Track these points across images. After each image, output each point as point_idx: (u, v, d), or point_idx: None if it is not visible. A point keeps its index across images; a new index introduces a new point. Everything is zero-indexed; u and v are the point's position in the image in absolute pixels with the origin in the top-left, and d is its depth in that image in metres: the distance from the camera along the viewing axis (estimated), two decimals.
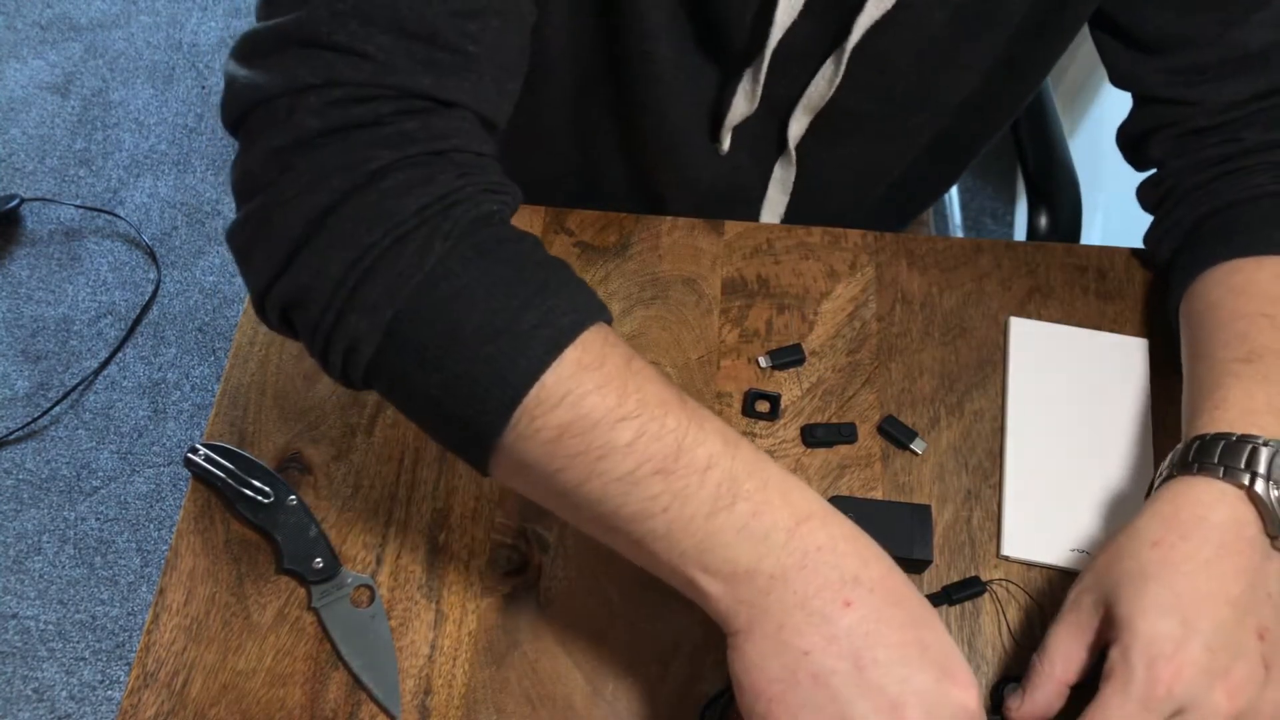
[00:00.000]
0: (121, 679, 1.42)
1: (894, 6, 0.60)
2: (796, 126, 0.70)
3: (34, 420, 1.61)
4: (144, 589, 1.50)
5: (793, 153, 0.73)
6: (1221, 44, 0.64)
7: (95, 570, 1.51)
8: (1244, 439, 0.51)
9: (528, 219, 0.76)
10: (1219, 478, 0.51)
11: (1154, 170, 0.71)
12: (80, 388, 1.65)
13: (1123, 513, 0.66)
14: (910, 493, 0.67)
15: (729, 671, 0.47)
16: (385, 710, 0.59)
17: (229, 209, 1.86)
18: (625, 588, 0.63)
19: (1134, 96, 0.71)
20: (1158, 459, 0.68)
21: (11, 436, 1.60)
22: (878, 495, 0.66)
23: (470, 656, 0.61)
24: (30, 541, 1.52)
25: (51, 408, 1.63)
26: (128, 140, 1.92)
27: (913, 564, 0.63)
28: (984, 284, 0.75)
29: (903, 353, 0.72)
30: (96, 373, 1.67)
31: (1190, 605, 0.47)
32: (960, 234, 1.74)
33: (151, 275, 1.77)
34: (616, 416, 0.44)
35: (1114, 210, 1.46)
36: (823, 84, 0.66)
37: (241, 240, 0.48)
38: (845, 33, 0.62)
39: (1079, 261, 0.77)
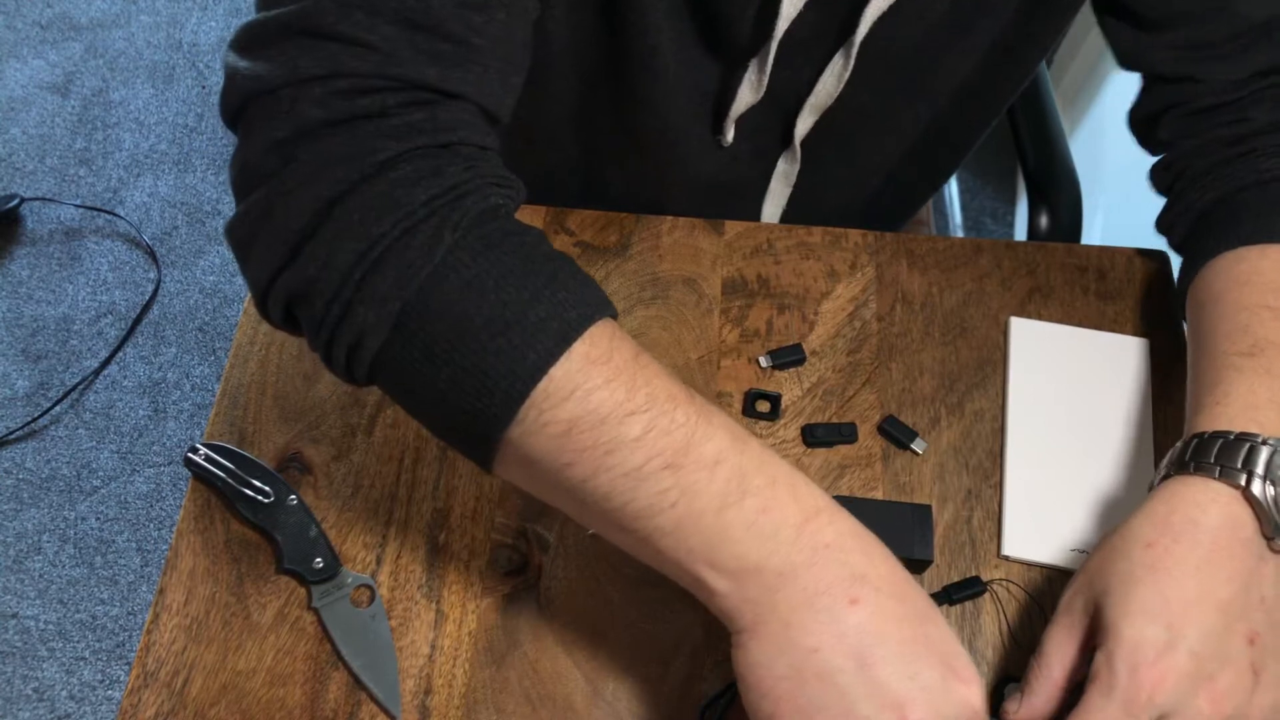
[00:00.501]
0: (121, 679, 1.42)
1: None
2: (803, 125, 0.70)
3: (34, 420, 1.61)
4: (144, 589, 1.50)
5: (798, 149, 0.73)
6: (1225, 19, 0.63)
7: (95, 570, 1.51)
8: (1242, 437, 0.50)
9: (528, 218, 0.76)
10: (1215, 478, 0.50)
11: (1165, 153, 0.71)
12: (80, 388, 1.65)
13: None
14: (910, 493, 0.67)
15: (734, 669, 0.47)
16: (385, 710, 0.59)
17: (229, 208, 1.86)
18: (625, 588, 0.63)
19: (1142, 78, 0.71)
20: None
21: (11, 436, 1.60)
22: (878, 495, 0.66)
23: (470, 656, 0.61)
24: (30, 541, 1.52)
25: (51, 408, 1.63)
26: (128, 140, 1.92)
27: (913, 564, 0.63)
28: (984, 284, 0.75)
29: (903, 353, 0.72)
30: (96, 373, 1.67)
31: (1178, 610, 0.47)
32: (960, 234, 1.74)
33: (151, 275, 1.77)
34: (626, 411, 0.44)
35: (1114, 210, 1.46)
36: (831, 81, 0.66)
37: (242, 234, 0.47)
38: (850, 22, 0.62)
39: (1079, 261, 0.77)
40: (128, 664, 1.44)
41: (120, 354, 1.69)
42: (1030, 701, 0.51)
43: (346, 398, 0.69)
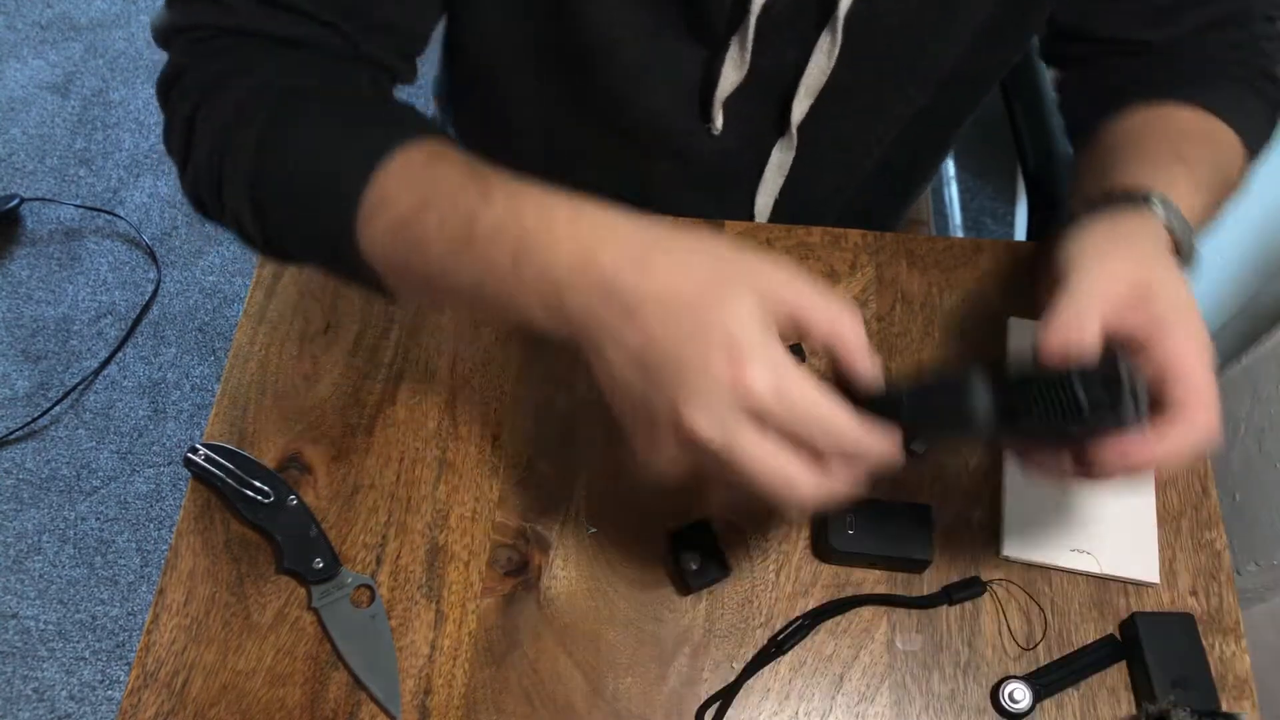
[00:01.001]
0: (121, 679, 1.42)
1: None
2: (799, 108, 0.70)
3: (34, 420, 1.61)
4: (144, 589, 1.50)
5: (794, 135, 0.72)
6: None
7: (95, 570, 1.51)
8: (1150, 195, 0.57)
9: None
10: (1135, 210, 0.56)
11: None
12: (80, 388, 1.65)
13: (1122, 513, 0.66)
14: (910, 493, 0.67)
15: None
16: (385, 710, 0.59)
17: None
18: (625, 588, 0.63)
19: (1073, 57, 0.76)
20: None
21: (11, 436, 1.60)
22: (878, 495, 0.66)
23: (470, 656, 0.61)
24: (30, 541, 1.52)
25: (51, 408, 1.63)
26: (128, 140, 1.92)
27: (913, 564, 0.63)
28: (984, 284, 0.75)
29: (903, 353, 0.72)
30: (96, 373, 1.67)
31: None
32: (960, 234, 1.74)
33: (151, 275, 1.77)
34: (419, 210, 0.51)
35: None
36: (822, 59, 0.66)
37: (167, 148, 0.62)
38: (831, 2, 0.63)
39: None
40: (128, 664, 1.44)
41: (120, 354, 1.69)
42: (1063, 314, 0.51)
43: (347, 398, 0.69)
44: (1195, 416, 0.49)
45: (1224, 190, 0.65)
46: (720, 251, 0.48)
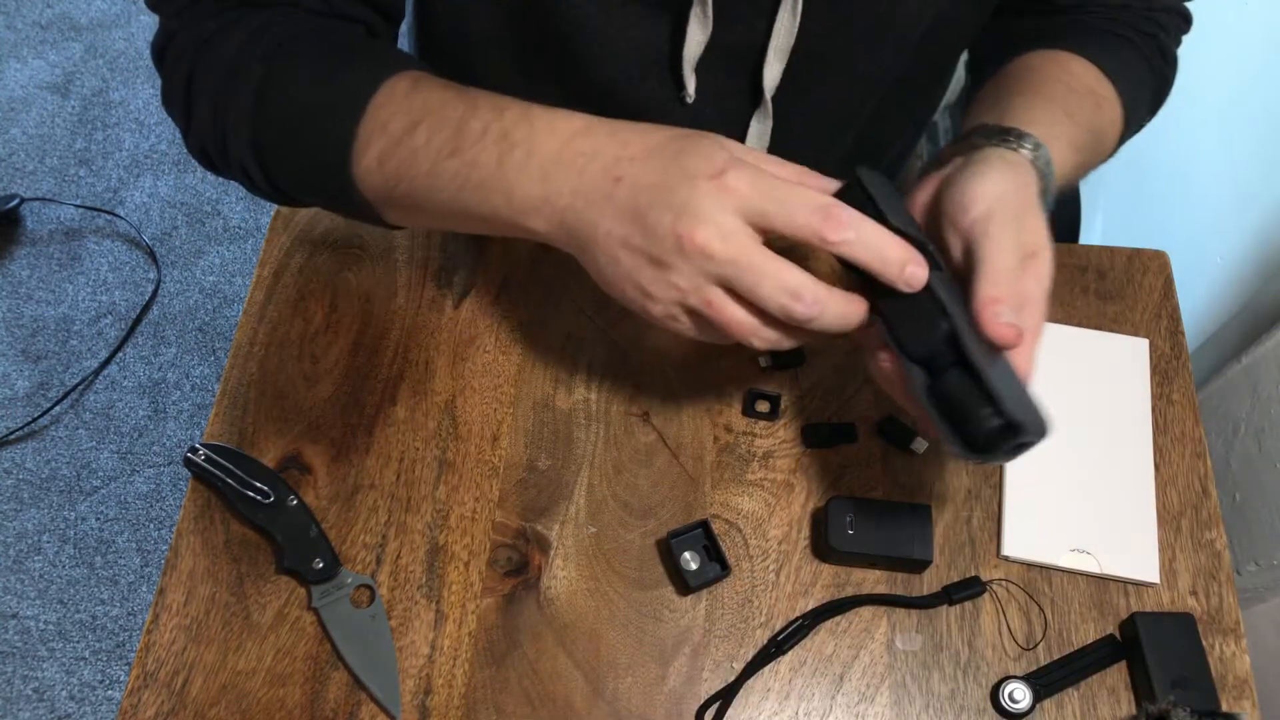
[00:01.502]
0: (121, 679, 1.42)
1: None
2: (771, 73, 0.70)
3: (34, 420, 1.61)
4: (144, 589, 1.50)
5: (769, 104, 0.72)
6: None
7: (95, 570, 1.51)
8: (1027, 133, 0.60)
9: None
10: (1012, 148, 0.60)
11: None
12: (80, 388, 1.65)
13: (1123, 513, 0.66)
14: (910, 493, 0.67)
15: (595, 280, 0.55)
16: (385, 710, 0.59)
17: (229, 209, 1.86)
18: (625, 588, 0.63)
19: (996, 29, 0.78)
20: (1158, 459, 0.68)
21: (11, 436, 1.60)
22: (878, 495, 0.66)
23: (470, 656, 0.61)
24: (30, 541, 1.52)
25: (51, 408, 1.63)
26: (128, 140, 1.92)
27: (913, 564, 0.63)
28: None
29: None
30: (96, 373, 1.67)
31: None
32: None
33: (151, 275, 1.77)
34: (408, 129, 0.56)
35: (1114, 210, 1.46)
36: (787, 18, 0.66)
37: (167, 108, 0.65)
38: None
39: (1079, 261, 0.77)
40: (128, 664, 1.44)
41: (120, 354, 1.69)
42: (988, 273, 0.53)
43: (347, 398, 0.69)
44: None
45: (1093, 156, 0.68)
46: (685, 129, 0.53)
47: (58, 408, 1.63)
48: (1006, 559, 0.64)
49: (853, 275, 0.53)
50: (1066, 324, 0.73)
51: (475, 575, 0.63)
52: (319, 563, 0.61)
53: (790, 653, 0.62)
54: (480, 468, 0.67)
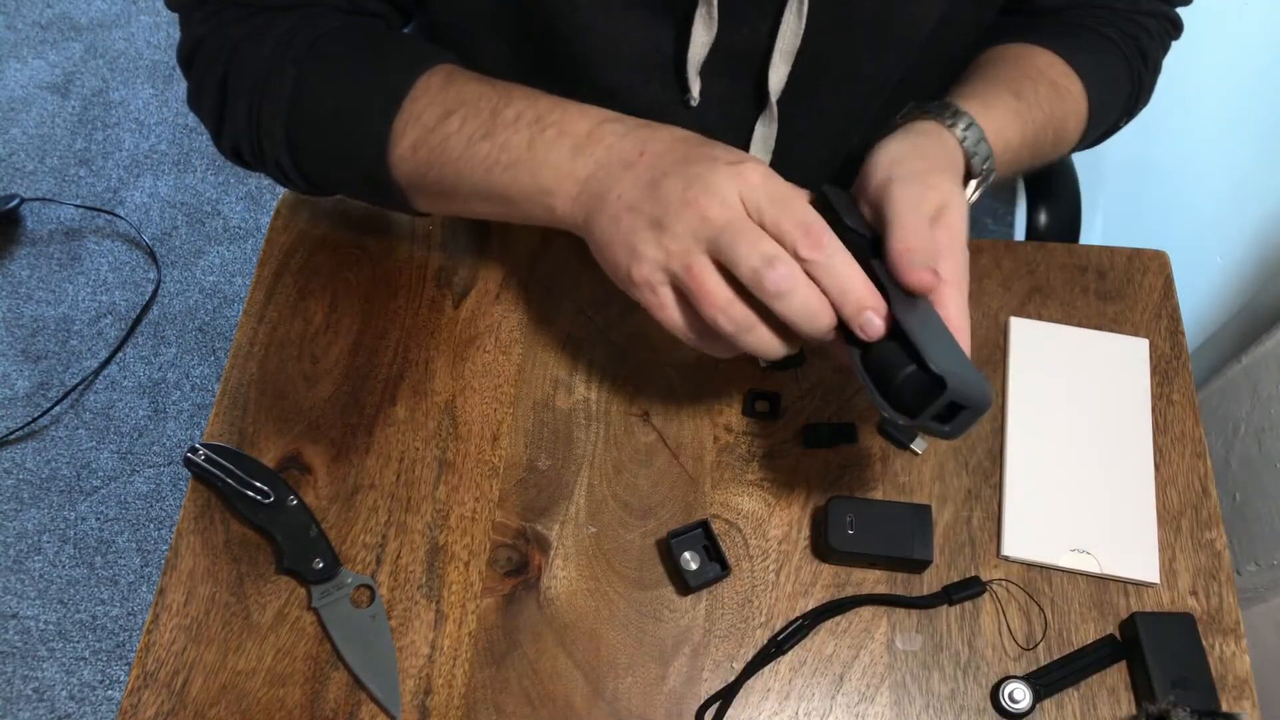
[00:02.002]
0: (121, 679, 1.42)
1: None
2: (776, 76, 0.70)
3: (34, 420, 1.61)
4: (144, 589, 1.50)
5: (774, 107, 0.72)
6: None
7: (95, 570, 1.51)
8: (949, 103, 0.64)
9: None
10: (959, 140, 0.62)
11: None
12: (80, 388, 1.65)
13: (1123, 513, 0.66)
14: (910, 493, 0.67)
15: (596, 258, 0.56)
16: (385, 710, 0.59)
17: (229, 209, 1.86)
18: (625, 588, 0.63)
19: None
20: (1158, 459, 0.68)
21: (11, 436, 1.60)
22: (878, 495, 0.66)
23: (470, 656, 0.61)
24: (30, 541, 1.52)
25: (51, 408, 1.63)
26: (128, 140, 1.92)
27: (913, 564, 0.63)
28: (984, 284, 0.75)
29: None
30: (96, 373, 1.67)
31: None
32: None
33: (151, 275, 1.77)
34: (442, 116, 0.59)
35: (1114, 210, 1.46)
36: (793, 20, 0.66)
37: (196, 110, 0.68)
38: None
39: (1079, 261, 0.77)
40: (128, 664, 1.44)
41: (120, 354, 1.69)
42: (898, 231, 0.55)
43: (347, 398, 0.69)
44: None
45: (1050, 136, 0.70)
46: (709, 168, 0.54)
47: (58, 408, 1.63)
48: (1006, 559, 0.64)
49: None
50: (1066, 324, 0.73)
51: (475, 575, 0.63)
52: (319, 563, 0.61)
53: (790, 653, 0.62)
54: (480, 468, 0.67)
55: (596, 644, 0.61)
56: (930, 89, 0.82)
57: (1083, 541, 0.64)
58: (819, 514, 0.65)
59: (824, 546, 0.63)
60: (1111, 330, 0.73)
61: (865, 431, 0.69)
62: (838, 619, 0.63)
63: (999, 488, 0.67)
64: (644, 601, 0.63)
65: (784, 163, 0.79)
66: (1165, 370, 0.72)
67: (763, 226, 0.52)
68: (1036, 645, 0.62)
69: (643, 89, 0.71)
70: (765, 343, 0.53)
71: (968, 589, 0.63)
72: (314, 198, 0.78)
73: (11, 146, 1.89)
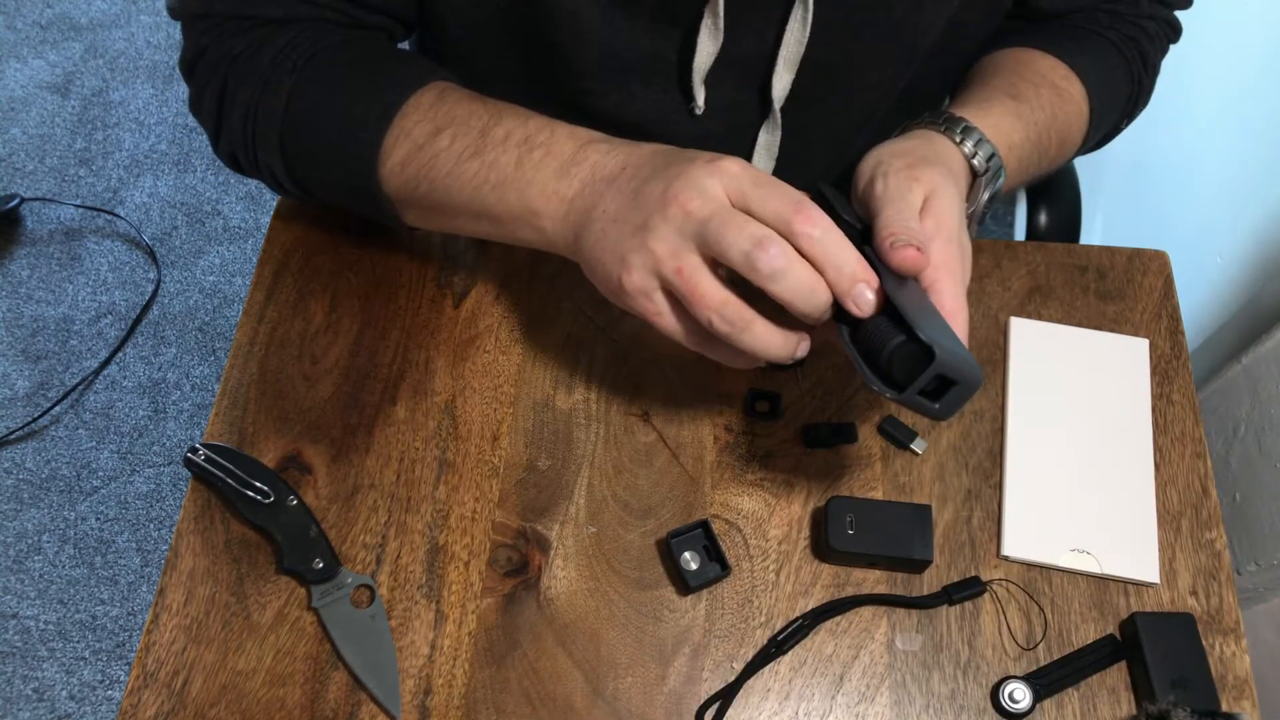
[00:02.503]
0: (121, 679, 1.43)
1: None
2: (780, 84, 0.70)
3: (34, 420, 1.61)
4: (144, 589, 1.50)
5: (778, 115, 0.72)
6: None
7: (95, 570, 1.51)
8: (942, 111, 0.65)
9: None
10: (955, 142, 0.63)
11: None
12: (80, 388, 1.65)
13: (1123, 513, 0.66)
14: (910, 493, 0.67)
15: (587, 275, 0.57)
16: (385, 710, 0.59)
17: (229, 209, 1.86)
18: (625, 588, 0.63)
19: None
20: (1158, 459, 0.68)
21: (11, 436, 1.60)
22: (878, 495, 0.66)
23: (470, 656, 0.61)
24: (30, 541, 1.52)
25: (51, 408, 1.63)
26: (128, 140, 1.92)
27: (913, 564, 0.63)
28: (984, 284, 0.75)
29: None
30: (96, 373, 1.67)
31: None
32: None
33: (151, 275, 1.77)
34: (432, 134, 0.60)
35: (1114, 210, 1.46)
36: (797, 28, 0.66)
37: (196, 116, 0.69)
38: None
39: (1079, 261, 0.77)
40: (128, 664, 1.44)
41: (120, 354, 1.69)
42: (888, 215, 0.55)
43: (347, 398, 0.69)
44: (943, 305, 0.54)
45: (1055, 138, 0.70)
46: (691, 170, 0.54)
47: (58, 408, 1.63)
48: (1006, 559, 0.64)
49: None
50: (1066, 324, 0.73)
51: (475, 575, 0.63)
52: (319, 563, 0.61)
53: (790, 653, 0.62)
54: (480, 468, 0.67)
55: (596, 644, 0.61)
56: (935, 95, 0.82)
57: (1083, 541, 0.64)
58: (819, 514, 0.65)
59: (824, 546, 0.63)
60: (1111, 330, 0.73)
61: (865, 431, 0.69)
62: (838, 619, 0.63)
63: (999, 488, 0.67)
64: (644, 601, 0.63)
65: (788, 170, 0.79)
66: (1165, 370, 0.72)
67: (751, 211, 0.52)
68: (1036, 645, 0.62)
69: (647, 97, 0.71)
70: (763, 340, 0.52)
71: (968, 589, 0.63)
72: None
73: (11, 146, 1.89)
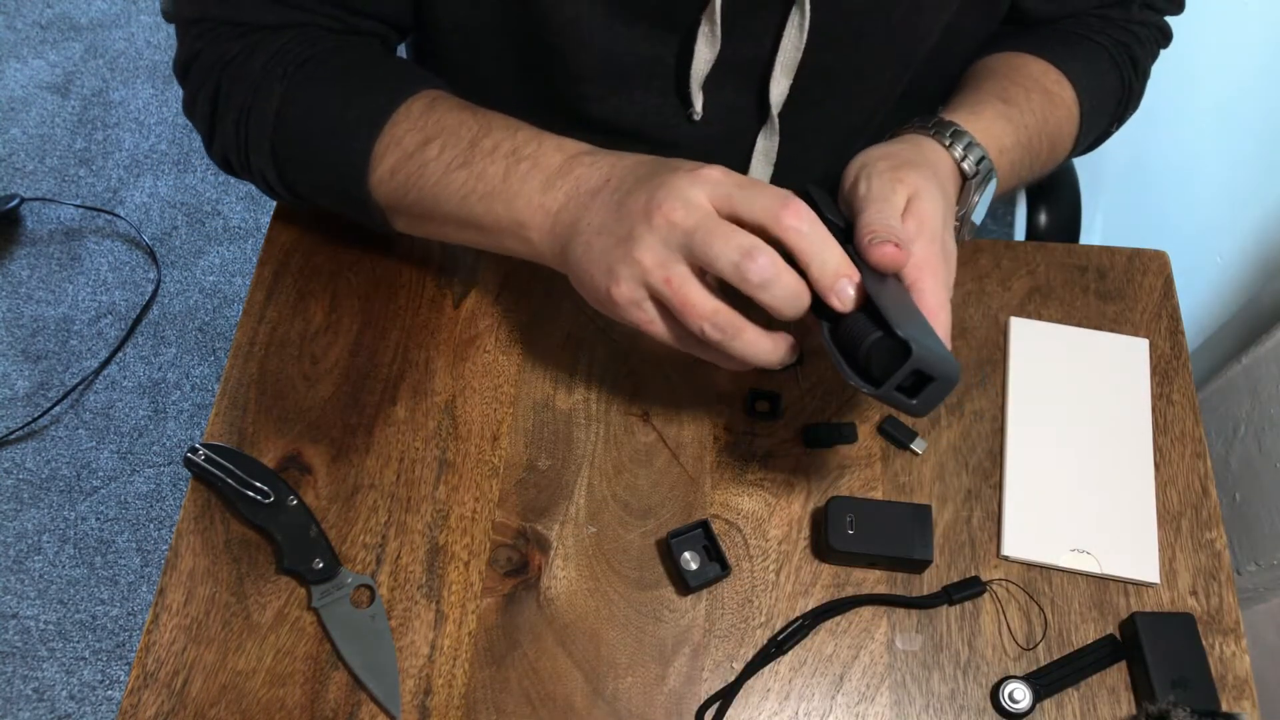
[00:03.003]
0: (121, 679, 1.42)
1: None
2: (778, 89, 0.70)
3: (34, 420, 1.61)
4: (144, 589, 1.50)
5: (776, 120, 0.72)
6: None
7: (95, 570, 1.51)
8: (931, 116, 0.65)
9: None
10: (944, 145, 0.63)
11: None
12: (80, 388, 1.65)
13: (1123, 513, 0.66)
14: (910, 493, 0.67)
15: (575, 286, 0.57)
16: (385, 710, 0.59)
17: (229, 209, 1.86)
18: (625, 588, 0.63)
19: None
20: (1158, 459, 0.68)
21: (11, 436, 1.60)
22: (878, 495, 0.66)
23: (470, 656, 0.61)
24: (30, 541, 1.52)
25: (51, 408, 1.63)
26: (128, 140, 1.92)
27: (913, 564, 0.63)
28: (984, 284, 0.75)
29: None
30: (96, 373, 1.67)
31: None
32: None
33: (151, 275, 1.77)
34: (422, 143, 0.61)
35: (1114, 210, 1.46)
36: (794, 34, 0.66)
37: (190, 119, 0.70)
38: None
39: (1079, 261, 0.77)
40: (128, 664, 1.44)
41: (120, 354, 1.69)
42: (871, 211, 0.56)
43: (347, 398, 0.69)
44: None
45: (1046, 142, 0.70)
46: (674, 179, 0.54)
47: (58, 408, 1.63)
48: (1006, 559, 0.64)
49: None
50: (1066, 324, 0.73)
51: (475, 575, 0.63)
52: (319, 563, 0.61)
53: (790, 653, 0.62)
54: (480, 468, 0.67)
55: (596, 644, 0.61)
56: (933, 100, 0.82)
57: (1083, 541, 0.64)
58: (819, 514, 0.65)
59: (824, 546, 0.63)
60: (1111, 330, 0.73)
61: (865, 431, 0.69)
62: (838, 619, 0.63)
63: (999, 488, 0.67)
64: (644, 601, 0.63)
65: (786, 175, 0.79)
66: (1165, 370, 0.72)
67: (738, 215, 0.52)
68: (1036, 645, 0.62)
69: (645, 103, 0.72)
70: (754, 346, 0.53)
71: (968, 589, 0.63)
72: None
73: (11, 146, 1.89)
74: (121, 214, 1.83)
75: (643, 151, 0.75)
